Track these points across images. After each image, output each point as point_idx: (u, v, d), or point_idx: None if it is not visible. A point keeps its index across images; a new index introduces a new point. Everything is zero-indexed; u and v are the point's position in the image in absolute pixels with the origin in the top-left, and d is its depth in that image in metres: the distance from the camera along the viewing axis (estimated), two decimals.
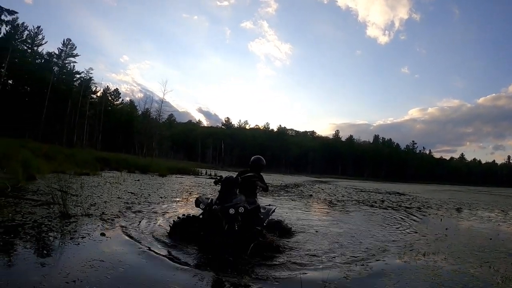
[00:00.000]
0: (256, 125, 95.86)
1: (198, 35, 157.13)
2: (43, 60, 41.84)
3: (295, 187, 19.21)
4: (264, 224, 4.40)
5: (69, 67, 44.07)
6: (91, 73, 45.61)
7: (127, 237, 3.84)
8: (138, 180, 12.66)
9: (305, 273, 3.09)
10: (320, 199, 11.94)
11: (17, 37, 38.40)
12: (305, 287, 2.68)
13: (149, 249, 3.44)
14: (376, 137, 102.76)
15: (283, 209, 7.50)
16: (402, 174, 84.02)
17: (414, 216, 8.31)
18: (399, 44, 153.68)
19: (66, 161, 14.18)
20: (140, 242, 3.66)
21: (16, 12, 35.89)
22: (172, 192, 9.73)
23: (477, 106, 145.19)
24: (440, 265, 3.67)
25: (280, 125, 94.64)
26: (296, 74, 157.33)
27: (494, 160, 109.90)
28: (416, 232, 5.82)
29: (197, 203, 3.88)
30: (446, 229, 6.35)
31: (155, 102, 44.64)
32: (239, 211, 3.63)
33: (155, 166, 20.02)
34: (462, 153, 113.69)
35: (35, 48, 41.52)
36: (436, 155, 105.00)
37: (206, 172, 25.49)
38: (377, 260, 3.73)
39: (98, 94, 51.97)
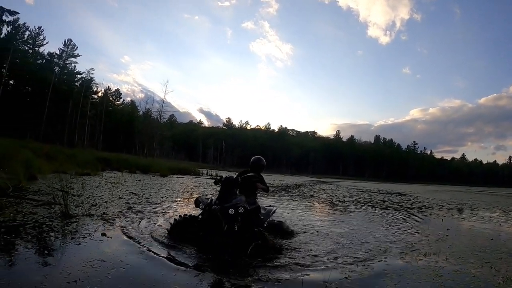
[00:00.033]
0: (257, 126, 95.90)
1: (199, 36, 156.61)
2: (44, 61, 41.89)
3: (296, 187, 19.18)
4: (265, 224, 4.39)
5: (70, 67, 44.16)
6: (92, 74, 45.66)
7: (127, 237, 3.85)
8: (139, 180, 12.67)
9: (307, 274, 3.09)
10: (321, 199, 11.93)
11: (18, 38, 38.45)
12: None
13: (149, 249, 3.44)
14: (377, 138, 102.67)
15: (284, 210, 7.50)
16: (403, 174, 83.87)
17: (415, 216, 8.30)
18: (400, 44, 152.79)
19: (67, 161, 14.17)
20: (140, 242, 3.67)
21: (17, 13, 36.18)
22: (173, 192, 9.73)
23: (478, 106, 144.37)
24: (441, 266, 3.67)
25: (281, 126, 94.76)
26: (297, 74, 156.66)
27: (495, 161, 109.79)
28: (417, 233, 5.81)
29: (197, 203, 3.88)
30: (447, 229, 6.35)
31: (156, 102, 45.04)
32: (239, 211, 3.62)
33: (156, 167, 19.97)
34: (463, 154, 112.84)
35: (36, 48, 41.58)
36: (437, 156, 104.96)
37: (207, 173, 25.48)
38: (378, 261, 3.73)
39: (99, 94, 52.11)
